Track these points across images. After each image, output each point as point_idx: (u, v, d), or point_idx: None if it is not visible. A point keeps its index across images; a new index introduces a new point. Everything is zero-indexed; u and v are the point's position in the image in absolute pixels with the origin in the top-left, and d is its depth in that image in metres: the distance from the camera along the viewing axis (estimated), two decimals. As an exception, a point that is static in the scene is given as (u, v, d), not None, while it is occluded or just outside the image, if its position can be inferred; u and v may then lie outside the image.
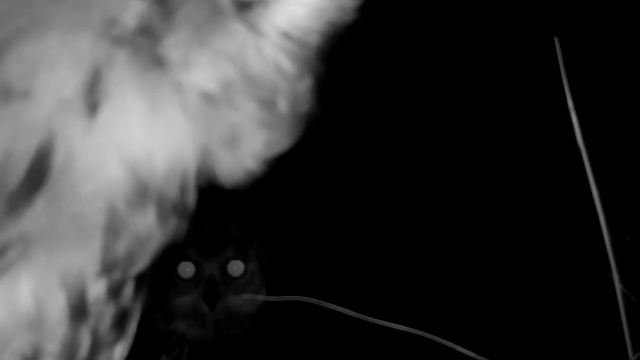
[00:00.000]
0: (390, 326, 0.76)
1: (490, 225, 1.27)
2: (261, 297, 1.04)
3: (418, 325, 0.76)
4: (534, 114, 1.31)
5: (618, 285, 0.63)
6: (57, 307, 0.33)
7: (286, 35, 0.36)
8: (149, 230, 0.34)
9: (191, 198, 0.37)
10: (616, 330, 0.66)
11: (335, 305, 0.79)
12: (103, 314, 0.35)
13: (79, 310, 0.33)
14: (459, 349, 0.74)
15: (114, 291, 0.35)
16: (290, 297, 0.91)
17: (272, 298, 1.02)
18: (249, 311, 1.02)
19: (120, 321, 0.37)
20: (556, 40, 0.62)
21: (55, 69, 0.30)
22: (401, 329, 0.75)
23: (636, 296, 0.72)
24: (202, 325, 0.98)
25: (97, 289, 0.34)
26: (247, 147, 0.37)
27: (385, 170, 1.36)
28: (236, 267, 1.01)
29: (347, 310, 0.78)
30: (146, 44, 0.32)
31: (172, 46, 0.33)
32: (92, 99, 0.31)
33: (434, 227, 1.30)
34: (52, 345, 0.33)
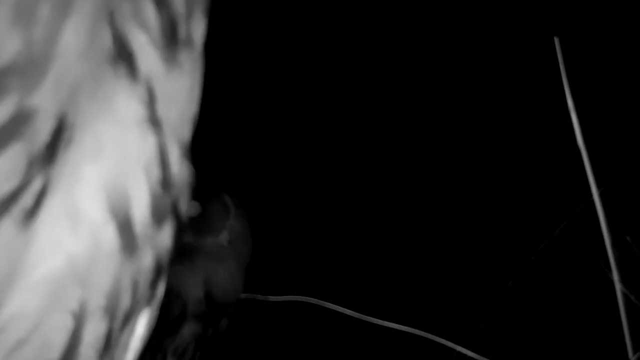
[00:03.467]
0: (390, 326, 0.76)
1: (490, 225, 1.27)
2: (260, 297, 1.04)
3: (418, 325, 0.76)
4: (534, 114, 1.31)
5: (618, 285, 0.63)
6: (109, 240, 0.32)
7: None
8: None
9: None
10: (616, 330, 0.66)
11: (335, 305, 0.79)
12: (143, 260, 0.34)
13: (128, 244, 0.32)
14: (459, 349, 0.74)
15: (157, 225, 0.34)
16: (290, 297, 0.91)
17: (272, 298, 1.02)
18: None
19: (155, 278, 0.35)
20: (556, 40, 0.62)
21: None
22: (401, 329, 0.75)
23: (636, 296, 0.72)
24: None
25: (142, 215, 0.33)
26: None
27: (386, 170, 1.36)
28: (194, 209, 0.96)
29: (347, 310, 0.78)
30: None
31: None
32: None
33: (434, 227, 1.30)
34: (98, 299, 0.32)
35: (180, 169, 0.35)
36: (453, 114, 1.38)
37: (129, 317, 0.35)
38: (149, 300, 0.36)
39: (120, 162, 0.32)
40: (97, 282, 0.32)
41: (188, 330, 0.93)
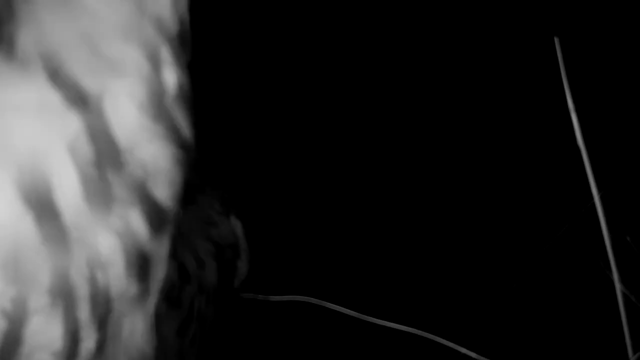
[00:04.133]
0: (391, 326, 0.76)
1: (490, 227, 1.27)
2: (261, 297, 1.04)
3: (418, 325, 0.76)
4: (534, 114, 1.31)
5: (618, 285, 0.63)
6: (27, 232, 0.28)
7: None
8: None
9: None
10: (616, 330, 0.66)
11: (335, 305, 0.79)
12: (99, 247, 0.30)
13: (54, 235, 0.29)
14: (460, 349, 0.74)
15: (100, 212, 0.30)
16: (290, 297, 0.91)
17: (272, 298, 1.02)
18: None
19: (139, 266, 0.32)
20: (556, 40, 0.62)
21: None
22: (401, 329, 0.75)
23: (636, 296, 0.73)
24: None
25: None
26: None
27: (386, 170, 1.36)
28: None
29: (347, 310, 0.78)
30: None
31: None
32: None
33: (435, 228, 1.30)
34: (40, 297, 0.29)
35: (145, 144, 0.32)
36: (453, 114, 1.38)
37: (98, 308, 0.31)
38: (137, 295, 0.33)
39: (30, 141, 0.29)
40: (33, 278, 0.29)
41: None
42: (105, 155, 0.30)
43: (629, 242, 0.78)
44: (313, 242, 1.28)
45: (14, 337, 0.29)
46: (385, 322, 0.75)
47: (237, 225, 0.97)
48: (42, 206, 0.29)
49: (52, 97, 0.29)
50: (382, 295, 1.16)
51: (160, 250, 0.34)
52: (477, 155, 1.35)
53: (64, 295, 0.30)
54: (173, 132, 0.33)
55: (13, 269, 0.29)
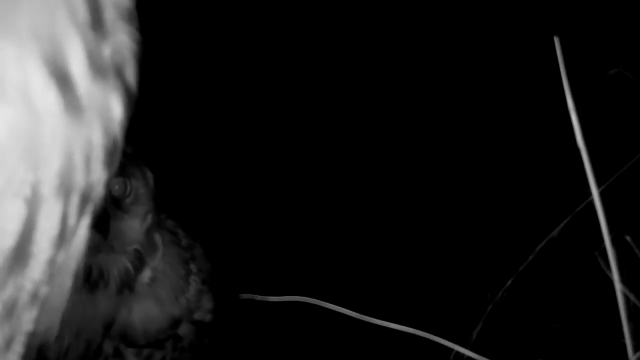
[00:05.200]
0: (390, 326, 0.76)
1: (489, 225, 1.27)
2: (259, 297, 1.04)
3: (418, 325, 0.76)
4: (534, 114, 1.31)
5: (618, 285, 0.63)
6: (49, 100, 0.28)
7: None
8: None
9: None
10: (616, 330, 0.66)
11: (335, 305, 0.79)
12: (93, 129, 0.29)
13: (71, 104, 0.28)
14: (459, 349, 0.74)
15: (100, 83, 0.30)
16: (290, 297, 0.91)
17: (272, 298, 1.02)
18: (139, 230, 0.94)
19: (109, 157, 0.32)
20: (556, 40, 0.62)
21: None
22: (401, 329, 0.75)
23: (636, 296, 0.72)
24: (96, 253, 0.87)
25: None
26: None
27: (386, 170, 1.36)
28: (118, 187, 0.89)
29: (347, 310, 0.78)
30: None
31: None
32: None
33: (433, 227, 1.30)
34: (51, 179, 0.29)
35: (115, 17, 0.31)
36: (453, 113, 1.38)
37: (85, 203, 0.32)
38: (101, 186, 0.32)
39: (45, 15, 0.28)
40: (48, 158, 0.29)
41: None
42: (96, 21, 0.30)
43: (629, 242, 0.78)
44: (312, 242, 1.28)
45: (31, 223, 0.30)
46: (384, 322, 0.75)
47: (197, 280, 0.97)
48: (62, 77, 0.29)
49: None
50: (380, 295, 1.16)
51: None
52: (476, 155, 1.35)
53: (68, 176, 0.30)
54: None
55: (34, 154, 0.29)
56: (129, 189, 0.89)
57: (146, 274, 0.91)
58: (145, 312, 0.91)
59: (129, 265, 0.90)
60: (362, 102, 1.39)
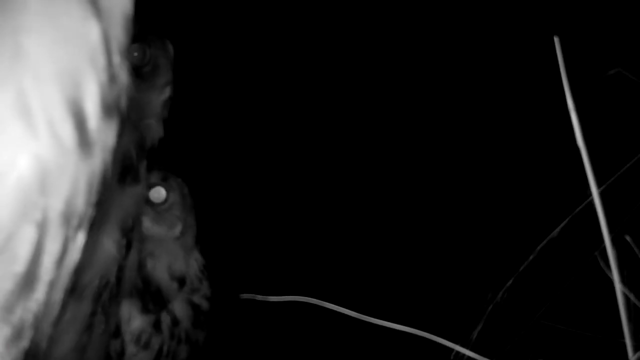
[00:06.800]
0: (390, 326, 0.76)
1: (489, 225, 1.27)
2: (260, 297, 1.04)
3: (418, 325, 0.76)
4: (534, 114, 1.31)
5: (618, 285, 0.63)
6: (67, 135, 0.30)
7: None
8: None
9: None
10: (616, 330, 0.66)
11: (335, 305, 0.79)
12: (96, 159, 0.32)
13: (84, 140, 0.31)
14: (459, 349, 0.74)
15: (107, 120, 0.32)
16: (290, 297, 0.91)
17: (272, 298, 1.02)
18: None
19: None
20: (556, 40, 0.62)
21: None
22: (401, 329, 0.75)
23: (636, 296, 0.72)
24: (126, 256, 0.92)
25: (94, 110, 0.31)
26: None
27: (386, 171, 1.36)
28: (157, 194, 0.96)
29: (347, 310, 0.78)
30: None
31: None
32: None
33: (433, 227, 1.30)
34: (58, 204, 0.31)
35: (121, 62, 0.34)
36: (453, 113, 1.38)
37: (80, 224, 0.33)
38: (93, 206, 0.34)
39: (64, 46, 0.30)
40: (58, 185, 0.31)
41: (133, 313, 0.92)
42: (109, 65, 0.33)
43: (629, 242, 0.78)
44: (312, 242, 1.28)
45: (40, 247, 0.31)
46: (384, 322, 0.75)
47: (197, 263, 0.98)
48: (77, 112, 0.31)
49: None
50: (380, 295, 1.16)
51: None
52: (476, 155, 1.35)
53: (72, 203, 0.32)
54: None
55: (48, 182, 0.30)
56: (148, 56, 0.90)
57: (177, 229, 0.93)
58: (172, 251, 0.93)
59: (139, 139, 0.90)
60: (361, 102, 1.39)
